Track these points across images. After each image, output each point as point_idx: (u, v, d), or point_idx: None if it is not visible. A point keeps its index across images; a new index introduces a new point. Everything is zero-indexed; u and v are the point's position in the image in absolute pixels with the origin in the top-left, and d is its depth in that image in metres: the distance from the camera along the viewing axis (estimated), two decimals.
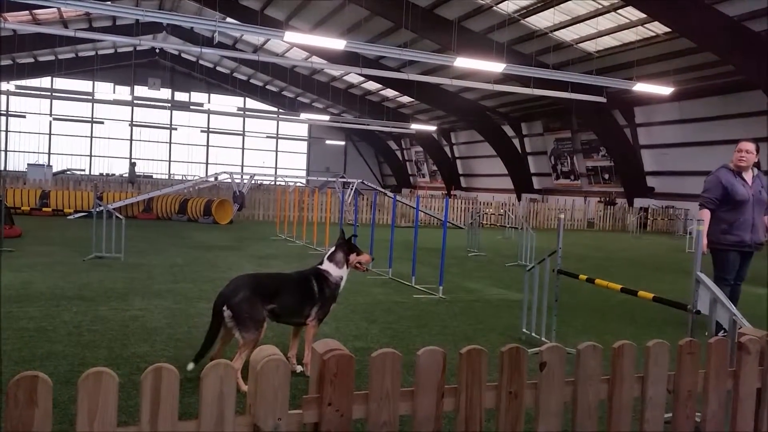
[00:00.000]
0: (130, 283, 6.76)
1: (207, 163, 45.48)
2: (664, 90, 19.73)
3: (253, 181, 20.21)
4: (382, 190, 25.48)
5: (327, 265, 3.95)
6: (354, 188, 20.24)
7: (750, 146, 5.40)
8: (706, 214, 5.30)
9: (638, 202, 26.01)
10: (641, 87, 19.48)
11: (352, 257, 4.02)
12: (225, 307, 3.49)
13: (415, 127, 35.23)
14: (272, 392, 1.55)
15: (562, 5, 18.93)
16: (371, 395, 1.72)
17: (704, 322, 3.22)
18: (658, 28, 18.68)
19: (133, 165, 30.83)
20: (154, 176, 38.62)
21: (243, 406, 1.74)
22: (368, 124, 35.99)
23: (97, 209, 9.12)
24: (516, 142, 34.41)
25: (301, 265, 9.09)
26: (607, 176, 29.55)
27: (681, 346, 2.22)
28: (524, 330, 5.02)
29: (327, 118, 36.96)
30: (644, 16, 17.87)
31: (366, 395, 1.72)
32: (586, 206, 26.45)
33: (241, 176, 20.58)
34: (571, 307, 6.41)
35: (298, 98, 43.21)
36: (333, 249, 4.04)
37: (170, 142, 44.92)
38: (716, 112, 22.70)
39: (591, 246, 15.77)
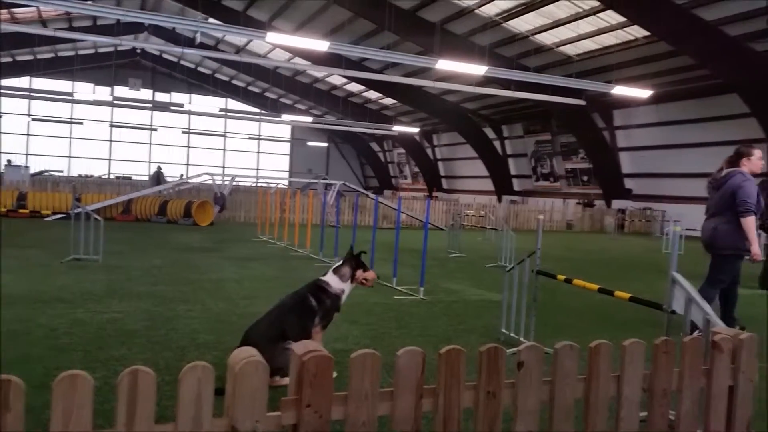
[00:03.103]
0: (108, 286, 6.68)
1: (188, 165, 45.12)
2: (643, 93, 20.01)
3: (233, 183, 20.06)
4: (364, 191, 25.47)
5: (329, 277, 3.95)
6: (336, 190, 20.22)
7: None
8: (753, 221, 5.31)
9: (616, 204, 26.34)
10: (620, 90, 19.74)
11: (359, 273, 4.02)
12: None
13: (397, 128, 35.31)
14: (250, 394, 1.55)
15: (543, 9, 19.11)
16: (350, 396, 1.72)
17: (680, 321, 3.27)
18: (637, 31, 18.94)
19: (159, 169, 27.80)
20: (134, 177, 38.19)
21: (221, 408, 1.73)
22: (351, 126, 35.99)
23: (75, 211, 9.00)
24: (497, 144, 34.65)
25: (281, 266, 9.09)
26: (585, 178, 29.87)
27: (656, 345, 2.25)
28: (503, 330, 5.06)
29: (310, 119, 36.88)
30: (624, 20, 18.11)
31: (345, 396, 1.72)
32: (565, 208, 26.71)
33: (222, 178, 20.45)
34: (549, 307, 6.47)
35: (281, 99, 43.05)
36: (340, 263, 4.04)
37: (150, 143, 44.48)
38: (693, 115, 23.07)
39: (570, 247, 15.93)
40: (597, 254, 14.43)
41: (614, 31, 19.40)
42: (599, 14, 18.50)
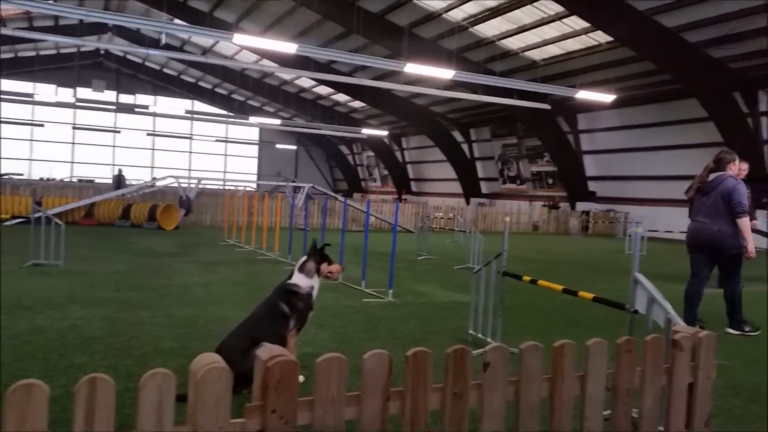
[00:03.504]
0: (69, 291, 6.51)
1: (153, 167, 44.34)
2: (606, 97, 20.41)
3: (199, 186, 19.77)
4: (334, 194, 25.39)
5: (296, 278, 3.87)
6: (305, 193, 20.11)
7: None
8: (748, 221, 5.73)
9: (580, 206, 26.83)
10: (584, 94, 20.10)
11: (323, 267, 3.96)
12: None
13: (366, 131, 35.32)
14: (213, 401, 1.52)
15: (508, 14, 19.36)
16: (316, 401, 1.71)
17: (643, 321, 3.34)
18: (600, 37, 19.33)
19: (120, 172, 26.93)
20: (97, 181, 37.32)
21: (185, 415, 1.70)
22: (320, 129, 35.85)
23: (36, 215, 8.76)
24: (465, 147, 34.94)
25: (249, 270, 8.99)
26: (551, 181, 30.34)
27: (619, 344, 2.29)
28: (471, 331, 5.09)
29: (278, 122, 36.59)
30: (587, 25, 18.47)
31: (311, 401, 1.71)
32: (531, 210, 27.09)
33: (188, 180, 20.13)
34: (516, 308, 6.54)
35: (249, 101, 42.65)
36: (304, 259, 3.97)
37: (114, 146, 43.58)
38: (655, 119, 23.64)
39: (536, 249, 16.14)
40: (562, 255, 14.65)
41: (578, 36, 19.77)
42: (564, 20, 18.83)
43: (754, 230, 11.33)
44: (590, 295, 3.89)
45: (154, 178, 19.98)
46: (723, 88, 19.29)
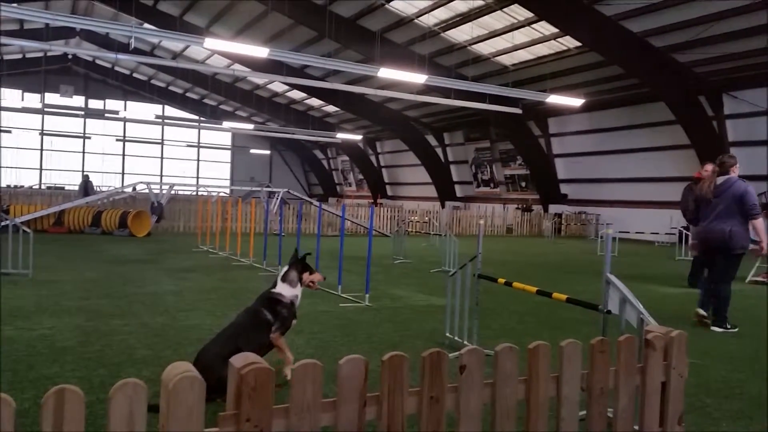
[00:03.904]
0: (38, 301, 6.35)
1: (123, 173, 43.63)
2: (576, 101, 20.72)
3: (171, 192, 19.50)
4: (308, 199, 25.28)
5: (280, 287, 3.96)
6: (279, 198, 19.98)
7: None
8: (763, 221, 6.12)
9: (553, 209, 27.16)
10: (554, 99, 20.37)
11: (305, 276, 4.07)
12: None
13: (341, 136, 35.25)
14: (186, 411, 1.49)
15: (479, 20, 19.53)
16: (292, 408, 1.69)
17: (616, 321, 3.38)
18: (569, 42, 19.62)
19: (86, 178, 25.40)
20: (66, 188, 36.56)
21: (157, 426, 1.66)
22: (294, 133, 35.67)
23: (3, 223, 8.54)
24: (439, 151, 35.12)
25: (223, 276, 8.89)
26: (523, 184, 30.66)
27: (593, 345, 2.31)
28: (447, 334, 5.10)
29: (251, 126, 36.31)
30: (556, 30, 18.73)
31: (286, 408, 1.69)
32: (504, 213, 27.33)
33: (160, 186, 19.86)
34: (492, 310, 6.58)
35: (221, 106, 42.25)
36: (286, 269, 4.05)
37: (83, 152, 42.78)
38: (624, 122, 24.06)
39: (510, 251, 16.29)
40: (536, 257, 14.80)
41: (548, 41, 20.03)
42: (533, 25, 19.07)
43: None
44: (564, 297, 3.93)
45: (134, 184, 19.47)
46: (689, 92, 19.74)
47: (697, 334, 5.83)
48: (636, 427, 2.48)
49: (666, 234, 19.68)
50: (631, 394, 2.42)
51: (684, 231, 14.38)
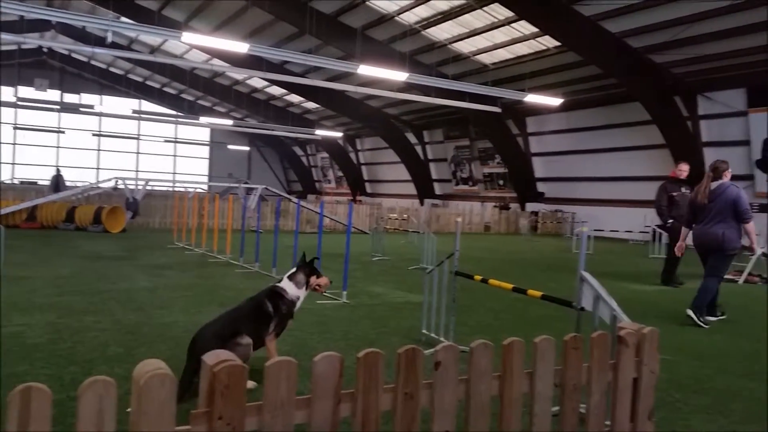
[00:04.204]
0: (9, 298, 6.22)
1: (98, 169, 42.94)
2: (554, 101, 20.90)
3: (147, 187, 19.25)
4: (287, 196, 25.15)
5: (285, 283, 4.01)
6: (258, 194, 19.84)
7: None
8: (753, 225, 6.63)
9: (530, 207, 27.40)
10: (532, 98, 20.53)
11: (313, 279, 4.15)
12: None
13: (320, 133, 35.11)
14: (157, 409, 1.47)
15: (459, 18, 19.59)
16: (265, 406, 1.68)
17: (590, 317, 3.42)
18: (548, 42, 19.78)
19: (57, 173, 24.65)
20: (40, 182, 35.87)
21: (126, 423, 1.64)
22: (273, 130, 35.42)
23: None
24: (419, 149, 35.19)
25: (199, 273, 8.80)
26: (501, 182, 30.88)
27: (566, 341, 2.34)
28: (424, 331, 5.12)
29: (230, 122, 35.97)
30: (536, 30, 18.86)
31: (260, 406, 1.67)
32: (483, 211, 27.51)
33: (136, 182, 19.59)
34: (468, 307, 6.62)
35: (199, 101, 41.80)
36: (294, 269, 4.13)
37: (58, 147, 42.01)
38: (601, 122, 24.36)
39: (487, 248, 16.39)
40: (513, 255, 14.92)
41: (527, 41, 20.17)
42: (513, 24, 19.19)
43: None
44: (539, 293, 3.97)
45: (116, 182, 19.02)
46: (665, 93, 20.06)
47: (668, 331, 5.93)
48: (608, 423, 2.51)
49: (640, 232, 19.97)
50: (604, 390, 2.45)
51: (657, 229, 14.59)
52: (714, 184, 6.59)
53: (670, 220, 9.50)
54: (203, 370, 1.62)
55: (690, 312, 6.40)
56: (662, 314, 6.96)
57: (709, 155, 20.32)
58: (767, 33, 15.84)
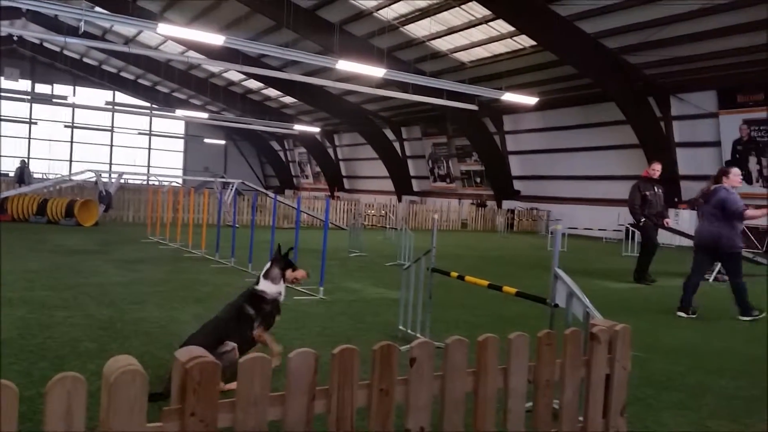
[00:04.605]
0: None
1: (71, 161, 42.12)
2: (530, 100, 21.06)
3: (120, 181, 18.94)
4: (264, 190, 24.95)
5: (263, 284, 3.88)
6: (234, 189, 19.66)
7: None
8: (750, 213, 6.93)
9: (506, 204, 27.63)
10: (509, 97, 20.66)
11: (288, 273, 4.00)
12: None
13: (298, 128, 34.88)
14: (128, 405, 1.45)
15: (437, 15, 19.61)
16: (238, 403, 1.66)
17: (563, 314, 3.46)
18: (525, 41, 19.92)
19: (23, 165, 24.40)
20: (11, 174, 35.04)
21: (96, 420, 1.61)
22: (250, 124, 35.09)
23: None
24: (396, 145, 35.20)
25: (173, 268, 8.69)
26: (478, 180, 31.07)
27: (539, 338, 2.36)
28: (401, 327, 5.13)
29: (205, 115, 35.54)
30: (513, 29, 18.98)
31: (233, 403, 1.66)
32: (460, 208, 27.64)
33: (109, 174, 19.26)
34: (444, 303, 6.64)
35: (174, 94, 41.22)
36: (269, 265, 3.97)
37: (30, 138, 41.09)
38: (576, 121, 24.63)
39: (464, 245, 16.48)
40: (489, 252, 15.03)
41: (504, 39, 20.29)
42: (490, 23, 19.28)
43: (669, 228, 12.13)
44: (514, 290, 4.00)
45: (80, 172, 18.61)
46: (638, 93, 20.36)
47: (640, 328, 6.03)
48: (581, 419, 2.54)
49: (613, 231, 20.26)
50: (577, 386, 2.48)
51: (631, 228, 14.82)
52: (713, 187, 7.09)
53: (643, 219, 9.67)
54: (175, 367, 1.60)
55: (742, 318, 6.86)
56: (634, 311, 7.08)
57: (682, 155, 20.72)
58: (738, 36, 16.18)
